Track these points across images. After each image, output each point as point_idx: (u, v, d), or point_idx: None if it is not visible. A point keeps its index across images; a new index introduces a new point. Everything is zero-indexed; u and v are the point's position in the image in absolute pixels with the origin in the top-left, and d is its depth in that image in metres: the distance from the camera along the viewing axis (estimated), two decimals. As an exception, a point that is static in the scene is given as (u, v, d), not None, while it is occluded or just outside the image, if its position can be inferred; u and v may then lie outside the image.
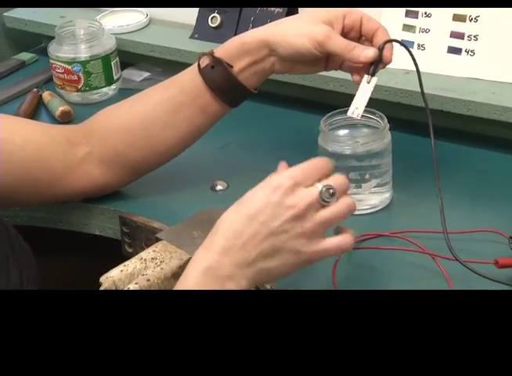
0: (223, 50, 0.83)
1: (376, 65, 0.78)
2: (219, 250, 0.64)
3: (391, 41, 0.79)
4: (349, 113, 0.80)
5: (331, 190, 0.65)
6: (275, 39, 0.80)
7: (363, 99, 0.78)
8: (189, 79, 0.84)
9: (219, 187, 0.94)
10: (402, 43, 0.80)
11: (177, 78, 0.86)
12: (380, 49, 0.78)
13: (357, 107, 0.78)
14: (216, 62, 0.82)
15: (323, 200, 0.65)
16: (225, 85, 0.83)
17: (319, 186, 0.65)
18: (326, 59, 0.82)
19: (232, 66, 0.82)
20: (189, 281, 0.65)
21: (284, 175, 0.65)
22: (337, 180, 0.66)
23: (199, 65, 0.83)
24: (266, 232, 0.63)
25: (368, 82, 0.77)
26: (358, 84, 0.79)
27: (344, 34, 0.80)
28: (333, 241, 0.66)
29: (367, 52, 0.77)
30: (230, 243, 0.64)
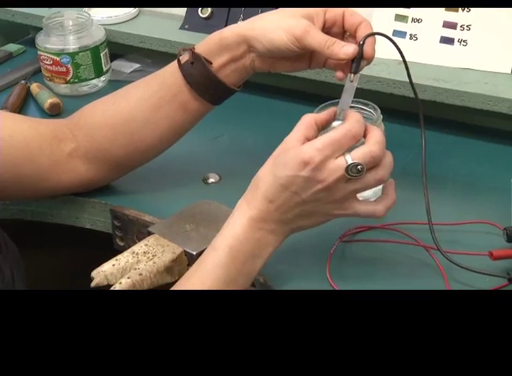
0: (203, 45, 0.81)
1: (357, 62, 0.74)
2: (260, 207, 0.70)
3: (371, 35, 0.73)
4: (336, 117, 0.75)
5: (359, 167, 0.67)
6: (252, 34, 0.77)
7: (348, 99, 0.74)
8: (170, 75, 0.83)
9: (211, 180, 0.94)
10: (384, 35, 0.74)
11: (158, 74, 0.85)
12: (361, 45, 0.73)
13: (343, 109, 0.73)
14: (195, 58, 0.80)
15: (350, 176, 0.67)
16: (204, 82, 0.81)
17: (349, 159, 0.67)
18: (309, 56, 0.80)
19: (211, 63, 0.80)
20: (237, 228, 0.70)
21: (314, 148, 0.67)
22: (367, 153, 0.67)
23: (179, 60, 0.82)
24: (298, 200, 0.69)
25: (351, 81, 0.73)
26: (341, 80, 0.76)
27: (327, 29, 0.77)
28: (364, 208, 0.70)
29: (346, 49, 0.73)
30: (268, 204, 0.69)
